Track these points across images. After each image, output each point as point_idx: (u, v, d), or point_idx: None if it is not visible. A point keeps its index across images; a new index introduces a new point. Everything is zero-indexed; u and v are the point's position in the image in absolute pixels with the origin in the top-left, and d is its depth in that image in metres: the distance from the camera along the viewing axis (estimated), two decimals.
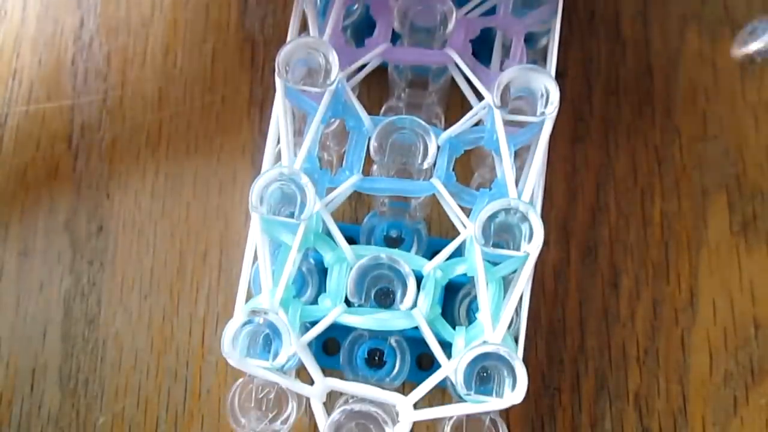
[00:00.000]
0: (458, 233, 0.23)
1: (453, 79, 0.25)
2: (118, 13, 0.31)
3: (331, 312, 0.22)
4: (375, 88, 0.29)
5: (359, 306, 0.22)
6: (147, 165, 0.30)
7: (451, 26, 0.24)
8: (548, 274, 0.28)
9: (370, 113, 0.24)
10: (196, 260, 0.29)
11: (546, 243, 0.28)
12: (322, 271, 0.24)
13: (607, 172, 0.29)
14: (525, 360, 0.21)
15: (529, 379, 0.27)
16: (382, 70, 0.26)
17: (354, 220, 0.29)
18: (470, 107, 0.24)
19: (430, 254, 0.26)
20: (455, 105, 0.26)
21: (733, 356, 0.27)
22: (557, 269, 0.28)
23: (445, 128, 0.24)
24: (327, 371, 0.25)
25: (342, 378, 0.23)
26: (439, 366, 0.22)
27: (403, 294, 0.22)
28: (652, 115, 0.30)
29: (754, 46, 0.22)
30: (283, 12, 0.31)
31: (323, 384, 0.22)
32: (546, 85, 0.22)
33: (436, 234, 0.28)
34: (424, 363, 0.26)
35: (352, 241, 0.26)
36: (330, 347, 0.27)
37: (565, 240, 0.28)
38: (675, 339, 0.28)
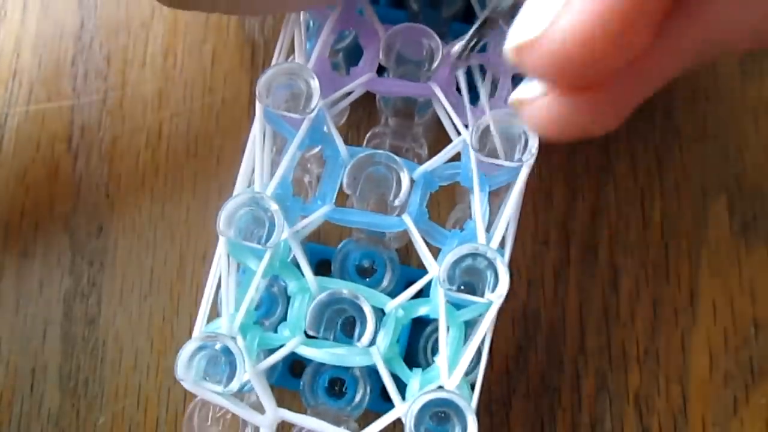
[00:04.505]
0: None
1: None
2: (118, 13, 0.31)
3: (289, 343, 0.22)
4: (364, 112, 0.29)
5: (323, 337, 0.22)
6: (147, 166, 0.30)
7: (437, 62, 0.23)
8: (548, 274, 0.28)
9: (357, 137, 0.23)
10: (195, 261, 0.29)
11: (546, 243, 0.28)
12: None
13: (607, 172, 0.29)
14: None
15: (529, 380, 0.27)
16: (372, 95, 0.25)
17: (337, 239, 0.28)
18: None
19: (404, 283, 0.25)
20: (443, 137, 0.25)
21: (733, 356, 0.27)
22: (557, 269, 0.28)
23: (429, 159, 0.23)
24: (292, 393, 0.25)
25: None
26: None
27: (362, 331, 0.21)
28: (652, 115, 0.30)
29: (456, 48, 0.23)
30: (283, 13, 0.31)
31: (274, 414, 0.21)
32: (526, 131, 0.22)
33: (414, 262, 0.28)
34: (388, 392, 0.26)
35: (327, 264, 0.26)
36: (297, 368, 0.26)
37: (565, 240, 0.28)
38: (675, 339, 0.28)
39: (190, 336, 0.28)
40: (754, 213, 0.29)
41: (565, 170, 0.29)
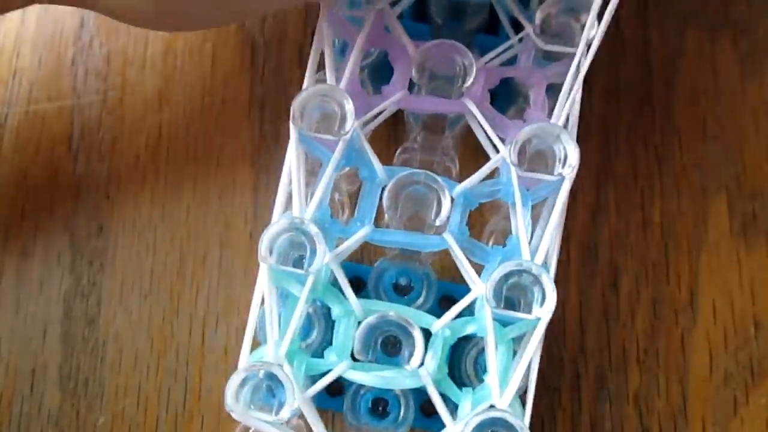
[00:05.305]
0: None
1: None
2: None
3: (337, 368, 0.21)
4: (391, 129, 0.29)
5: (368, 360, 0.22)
6: (147, 166, 0.30)
7: (471, 80, 0.23)
8: None
9: (384, 154, 0.23)
10: (195, 261, 0.29)
11: None
12: (329, 315, 0.23)
13: (607, 172, 0.29)
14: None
15: None
16: (399, 110, 0.25)
17: (368, 259, 0.28)
18: (486, 154, 0.24)
19: (440, 298, 0.25)
20: (472, 149, 0.25)
21: (733, 356, 0.27)
22: (557, 269, 0.28)
23: (460, 172, 0.23)
24: (330, 413, 0.25)
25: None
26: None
27: (411, 353, 0.21)
28: (652, 115, 0.30)
29: None
30: (283, 13, 0.31)
31: None
32: (565, 144, 0.22)
33: (447, 275, 0.27)
34: (428, 408, 0.25)
35: (361, 281, 0.26)
36: (334, 388, 0.26)
37: (565, 240, 0.28)
38: (675, 339, 0.28)
39: (190, 336, 0.28)
40: (754, 213, 0.29)
41: None
